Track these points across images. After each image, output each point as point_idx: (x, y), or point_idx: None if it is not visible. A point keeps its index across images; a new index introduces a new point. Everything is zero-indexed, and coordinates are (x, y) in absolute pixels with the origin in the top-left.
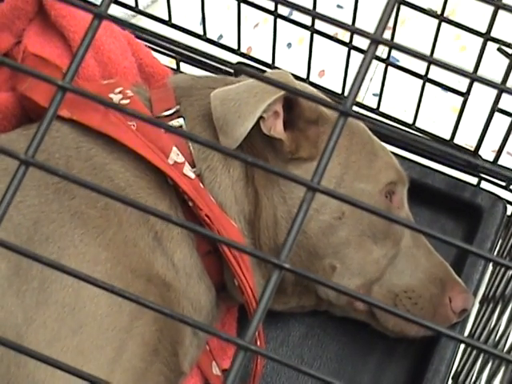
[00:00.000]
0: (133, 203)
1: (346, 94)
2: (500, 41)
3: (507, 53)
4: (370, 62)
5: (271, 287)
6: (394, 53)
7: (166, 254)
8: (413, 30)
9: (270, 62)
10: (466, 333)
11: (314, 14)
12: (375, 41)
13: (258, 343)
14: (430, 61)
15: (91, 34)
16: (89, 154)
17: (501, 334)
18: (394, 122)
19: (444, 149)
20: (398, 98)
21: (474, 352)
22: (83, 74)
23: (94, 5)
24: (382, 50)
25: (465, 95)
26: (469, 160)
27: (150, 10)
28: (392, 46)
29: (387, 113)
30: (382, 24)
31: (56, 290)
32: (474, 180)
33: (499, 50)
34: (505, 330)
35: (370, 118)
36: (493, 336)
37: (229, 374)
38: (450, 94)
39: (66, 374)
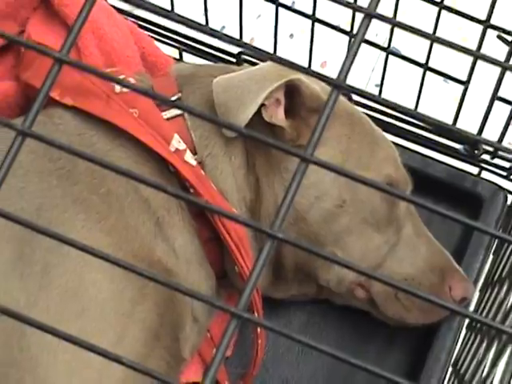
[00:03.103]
0: (127, 173)
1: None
2: (500, 28)
3: (507, 40)
4: (363, 36)
5: (264, 256)
6: (395, 43)
7: (167, 240)
8: (414, 20)
9: (272, 52)
10: (467, 320)
11: None
12: (369, 15)
13: (258, 330)
14: (432, 38)
15: (88, 6)
16: (91, 140)
17: (508, 310)
18: (396, 109)
19: (447, 126)
20: (399, 88)
21: (477, 340)
22: (86, 63)
23: None
24: (384, 40)
25: (465, 84)
26: (470, 148)
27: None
28: (387, 21)
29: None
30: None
31: (59, 274)
32: (475, 170)
33: (499, 37)
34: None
35: (369, 106)
36: (498, 317)
37: (221, 341)
38: (451, 85)
39: (68, 357)
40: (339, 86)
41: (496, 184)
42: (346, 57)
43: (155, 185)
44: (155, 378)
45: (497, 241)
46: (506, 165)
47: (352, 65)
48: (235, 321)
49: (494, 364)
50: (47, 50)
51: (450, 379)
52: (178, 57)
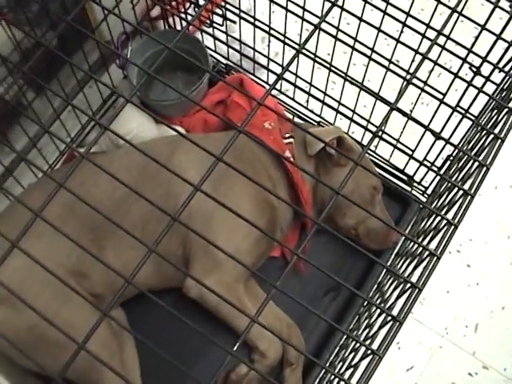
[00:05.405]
0: (272, 152)
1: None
2: None
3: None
4: (365, 150)
5: (330, 204)
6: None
7: (275, 189)
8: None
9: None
10: (397, 249)
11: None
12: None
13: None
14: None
15: (266, 95)
16: (253, 149)
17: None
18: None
19: (396, 174)
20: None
21: (399, 258)
22: (259, 116)
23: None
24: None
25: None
26: (409, 181)
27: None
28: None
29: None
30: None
31: (230, 196)
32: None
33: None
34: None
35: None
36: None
37: (304, 240)
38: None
39: (232, 223)
40: (378, 134)
41: (417, 196)
42: (365, 148)
43: (285, 162)
44: (269, 237)
45: (415, 217)
46: (422, 188)
47: (373, 141)
48: (315, 227)
49: (413, 265)
50: (250, 96)
51: (386, 273)
52: (291, 117)
